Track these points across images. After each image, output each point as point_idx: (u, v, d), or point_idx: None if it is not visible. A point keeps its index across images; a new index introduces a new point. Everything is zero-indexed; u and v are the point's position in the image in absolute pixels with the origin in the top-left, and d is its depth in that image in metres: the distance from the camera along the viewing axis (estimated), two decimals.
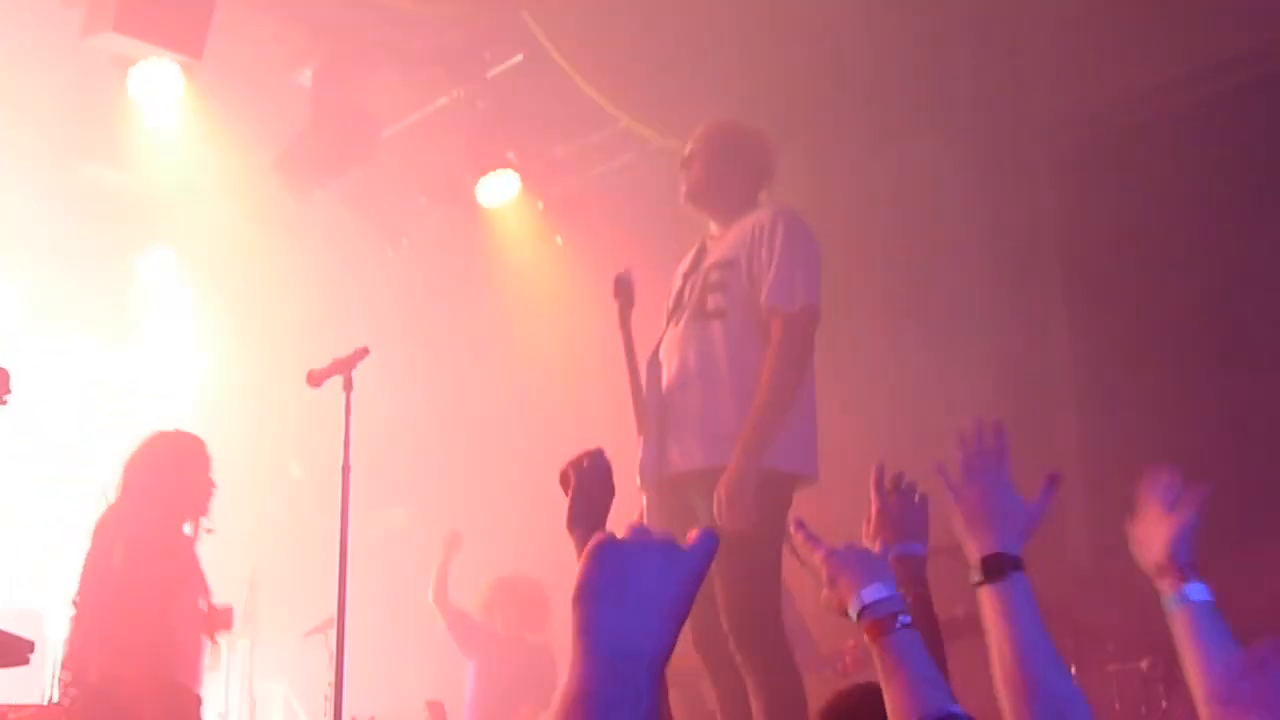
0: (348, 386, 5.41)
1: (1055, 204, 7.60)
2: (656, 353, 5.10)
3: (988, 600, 2.45)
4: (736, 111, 5.66)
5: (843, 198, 7.61)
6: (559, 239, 9.07)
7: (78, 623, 5.62)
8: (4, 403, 4.14)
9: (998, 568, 2.45)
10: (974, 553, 2.50)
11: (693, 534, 1.45)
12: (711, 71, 7.46)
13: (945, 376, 6.99)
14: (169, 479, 5.93)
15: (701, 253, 5.16)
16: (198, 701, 5.78)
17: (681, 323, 5.00)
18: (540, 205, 8.88)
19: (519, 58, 7.94)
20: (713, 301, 4.94)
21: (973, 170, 7.58)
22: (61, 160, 8.84)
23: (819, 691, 4.69)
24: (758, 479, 4.63)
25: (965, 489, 2.58)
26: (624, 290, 5.22)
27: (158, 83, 7.33)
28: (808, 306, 4.81)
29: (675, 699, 6.32)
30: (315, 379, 5.46)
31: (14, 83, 7.97)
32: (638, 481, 4.90)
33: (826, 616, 2.63)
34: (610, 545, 1.42)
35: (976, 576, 2.48)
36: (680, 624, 1.42)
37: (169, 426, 6.56)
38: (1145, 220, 7.05)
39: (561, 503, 3.18)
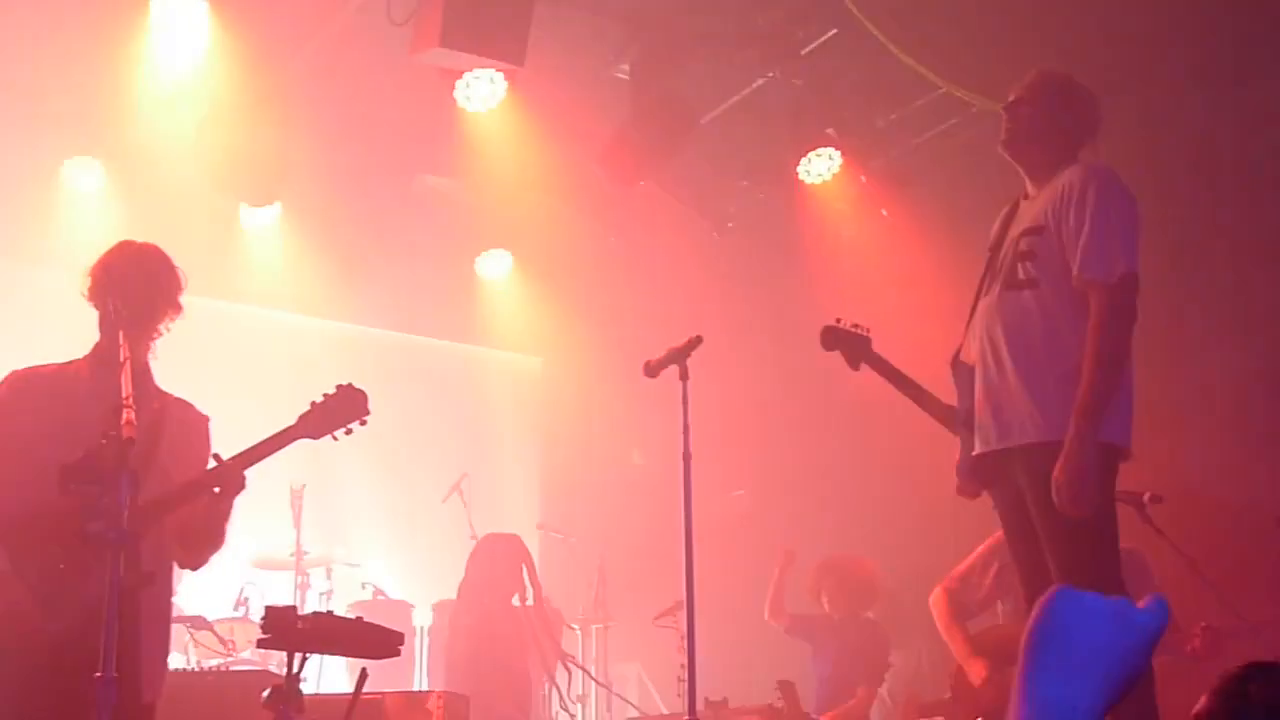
0: (684, 375, 5.47)
1: None
2: (957, 354, 4.99)
3: None
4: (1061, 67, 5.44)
5: (1184, 149, 7.29)
6: (884, 211, 8.98)
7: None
8: (364, 423, 4.42)
9: None
10: None
11: (1146, 598, 1.43)
12: (1032, 29, 7.24)
13: None
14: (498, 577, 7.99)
15: (1010, 218, 4.98)
16: None
17: (993, 294, 4.84)
18: (863, 179, 8.80)
19: (832, 32, 7.89)
20: (1023, 270, 4.75)
21: None
22: (399, 171, 9.27)
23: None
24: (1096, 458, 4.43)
25: None
26: (834, 340, 5.26)
27: (483, 90, 7.61)
28: (1126, 275, 4.56)
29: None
30: (652, 369, 5.53)
31: (352, 101, 8.40)
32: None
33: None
34: (1061, 600, 1.41)
35: None
36: (1127, 687, 1.40)
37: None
38: None
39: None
